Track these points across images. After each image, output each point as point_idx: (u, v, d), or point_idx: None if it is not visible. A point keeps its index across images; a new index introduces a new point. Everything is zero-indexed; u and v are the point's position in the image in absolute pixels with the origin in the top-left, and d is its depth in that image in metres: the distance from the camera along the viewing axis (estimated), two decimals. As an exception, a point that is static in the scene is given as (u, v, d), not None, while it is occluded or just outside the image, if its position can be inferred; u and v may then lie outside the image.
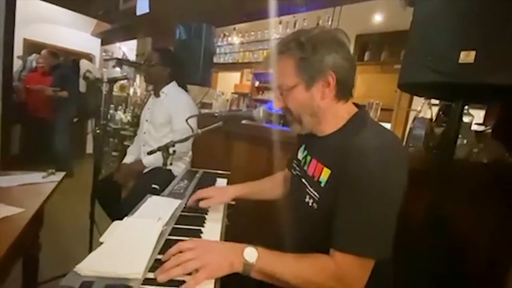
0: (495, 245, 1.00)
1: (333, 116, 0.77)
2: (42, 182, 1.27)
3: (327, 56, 0.71)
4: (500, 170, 1.03)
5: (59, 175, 1.36)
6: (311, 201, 0.77)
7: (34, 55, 3.79)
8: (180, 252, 0.63)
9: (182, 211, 0.94)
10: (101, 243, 0.68)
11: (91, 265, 0.58)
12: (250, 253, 0.63)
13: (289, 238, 0.84)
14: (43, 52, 3.49)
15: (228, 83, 5.49)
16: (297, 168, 0.89)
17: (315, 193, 0.75)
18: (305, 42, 0.71)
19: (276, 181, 1.12)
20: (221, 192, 1.01)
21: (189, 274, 0.60)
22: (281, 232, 0.90)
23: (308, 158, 0.83)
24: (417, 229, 1.00)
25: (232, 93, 4.97)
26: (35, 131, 3.59)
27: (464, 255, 1.05)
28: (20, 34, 4.14)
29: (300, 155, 0.89)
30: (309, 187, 0.78)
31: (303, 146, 0.90)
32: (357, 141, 0.66)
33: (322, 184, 0.73)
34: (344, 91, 0.75)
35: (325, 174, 0.73)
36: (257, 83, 5.00)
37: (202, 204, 0.95)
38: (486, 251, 1.02)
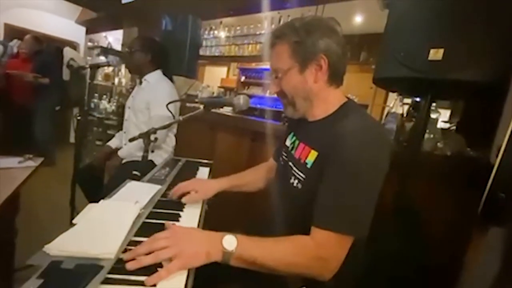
0: (455, 229, 1.08)
1: (324, 101, 0.80)
2: (18, 167, 1.24)
3: (320, 40, 0.75)
4: (461, 162, 1.10)
5: (37, 161, 1.33)
6: (296, 181, 0.80)
7: (15, 40, 3.66)
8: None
9: (161, 196, 0.93)
10: (74, 224, 0.66)
11: (61, 245, 0.56)
12: (229, 241, 0.61)
13: (271, 219, 0.88)
14: (26, 37, 3.36)
15: (215, 77, 5.48)
16: (284, 154, 0.92)
17: (301, 174, 0.78)
18: (299, 27, 0.76)
19: (259, 173, 1.13)
20: (205, 187, 0.98)
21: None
22: (264, 214, 0.94)
23: (296, 142, 0.86)
24: (386, 215, 1.06)
25: (219, 87, 4.97)
26: (16, 118, 3.48)
27: (428, 238, 1.12)
28: (1, 19, 3.99)
29: (288, 142, 0.93)
30: (294, 168, 0.82)
31: (291, 134, 0.93)
32: (345, 125, 0.70)
33: (309, 166, 0.76)
34: (335, 76, 0.79)
35: (312, 156, 0.76)
36: (243, 78, 5.02)
37: (185, 200, 0.91)
38: (447, 234, 1.10)
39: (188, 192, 0.94)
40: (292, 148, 0.88)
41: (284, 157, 0.92)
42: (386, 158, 0.69)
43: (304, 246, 0.65)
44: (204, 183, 1.02)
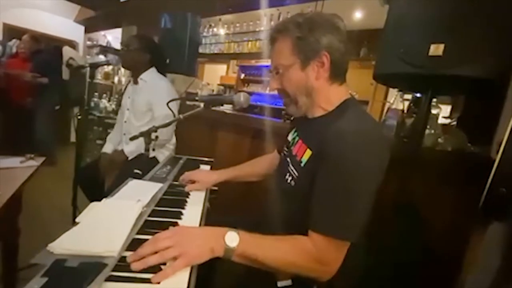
0: (456, 223, 1.09)
1: (325, 99, 0.79)
2: (19, 166, 1.24)
3: (323, 37, 0.74)
4: (461, 157, 1.10)
5: (39, 160, 1.33)
6: (289, 178, 0.80)
7: (14, 40, 3.65)
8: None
9: (163, 194, 0.94)
10: (77, 223, 0.66)
11: (64, 244, 0.56)
12: (231, 237, 0.62)
13: (269, 213, 0.90)
14: (25, 36, 3.36)
15: (214, 75, 5.48)
16: (286, 149, 0.93)
17: (295, 171, 0.79)
18: (302, 22, 0.75)
19: (259, 164, 1.18)
20: (206, 177, 1.08)
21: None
22: (261, 209, 0.97)
23: (296, 138, 0.87)
24: (387, 211, 1.06)
25: (218, 84, 4.97)
26: (16, 118, 3.47)
27: (429, 234, 1.12)
28: (0, 19, 3.98)
29: (290, 137, 0.93)
30: (290, 165, 0.82)
31: (294, 129, 0.94)
32: (338, 125, 0.68)
33: (302, 164, 0.76)
34: (337, 73, 0.78)
35: (307, 155, 0.76)
36: (242, 76, 5.02)
37: (187, 189, 1.02)
38: (447, 230, 1.10)
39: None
40: (292, 143, 0.88)
41: (285, 151, 0.93)
42: (380, 157, 0.66)
43: (304, 248, 0.65)
44: (205, 174, 1.14)
